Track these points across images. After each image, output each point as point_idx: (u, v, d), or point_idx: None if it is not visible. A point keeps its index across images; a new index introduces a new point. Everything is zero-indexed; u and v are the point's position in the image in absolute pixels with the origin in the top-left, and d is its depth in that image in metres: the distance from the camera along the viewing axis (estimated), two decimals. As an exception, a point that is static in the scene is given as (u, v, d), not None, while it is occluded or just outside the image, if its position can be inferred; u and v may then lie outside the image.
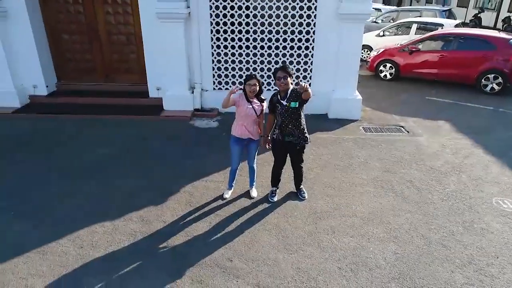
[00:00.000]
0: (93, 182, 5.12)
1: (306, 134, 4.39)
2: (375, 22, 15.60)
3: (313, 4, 7.10)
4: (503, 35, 9.66)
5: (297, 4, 7.12)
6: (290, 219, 4.38)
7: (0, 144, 6.27)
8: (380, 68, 10.77)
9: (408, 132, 7.01)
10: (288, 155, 4.57)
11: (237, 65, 7.66)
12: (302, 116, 4.31)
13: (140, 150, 6.10)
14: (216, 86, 7.84)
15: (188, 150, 6.13)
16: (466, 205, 4.69)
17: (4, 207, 4.55)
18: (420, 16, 14.36)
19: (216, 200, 4.74)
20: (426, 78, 10.17)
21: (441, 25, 11.76)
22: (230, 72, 7.72)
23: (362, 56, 13.19)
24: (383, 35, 12.89)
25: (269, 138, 4.57)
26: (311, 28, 7.29)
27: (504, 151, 6.17)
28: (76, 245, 3.91)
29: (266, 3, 7.14)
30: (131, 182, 5.13)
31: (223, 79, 7.78)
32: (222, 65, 7.66)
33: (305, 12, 7.17)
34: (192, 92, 7.69)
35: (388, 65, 10.61)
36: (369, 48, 13.06)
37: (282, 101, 4.25)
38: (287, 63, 7.57)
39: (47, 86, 8.02)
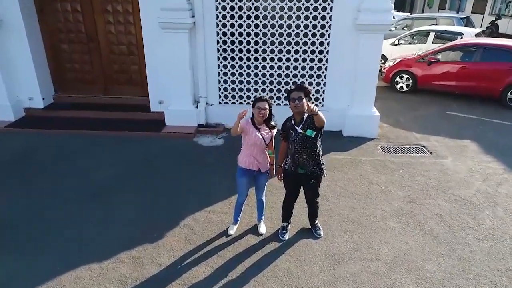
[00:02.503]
0: (85, 211, 4.61)
1: (323, 166, 3.83)
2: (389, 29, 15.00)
3: (328, 13, 6.55)
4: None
5: (311, 13, 6.58)
6: (304, 263, 3.80)
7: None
8: (396, 79, 10.16)
9: (431, 153, 6.40)
10: (301, 188, 4.01)
11: (245, 78, 7.13)
12: (319, 145, 3.75)
13: (139, 174, 5.58)
14: (222, 100, 7.32)
15: (190, 173, 5.60)
16: (507, 248, 4.07)
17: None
18: (436, 24, 13.72)
19: (219, 236, 4.18)
20: (446, 90, 9.54)
21: (461, 34, 11.13)
22: (237, 86, 7.19)
23: (376, 65, 12.62)
24: (398, 44, 12.28)
25: (281, 167, 4.02)
26: (326, 39, 6.74)
27: (541, 177, 5.55)
28: (56, 296, 3.39)
29: (277, 12, 6.62)
30: (126, 211, 4.61)
31: (229, 93, 7.26)
32: (229, 77, 7.14)
33: (319, 22, 6.62)
34: (197, 107, 7.18)
35: (405, 76, 10.00)
36: (383, 57, 12.45)
37: (296, 128, 3.70)
38: (299, 76, 7.03)
39: (43, 99, 7.57)
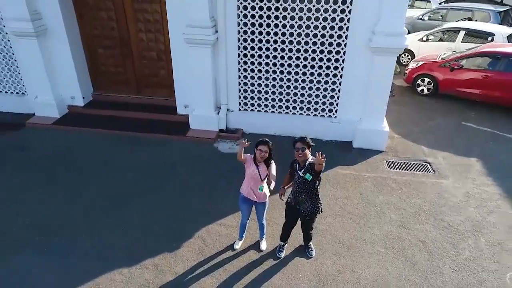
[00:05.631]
0: (116, 216, 5.51)
1: (319, 205, 4.45)
2: (421, 19, 14.64)
3: (344, 32, 6.82)
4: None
5: (327, 32, 6.87)
6: (294, 281, 4.53)
7: (33, 163, 6.82)
8: (417, 82, 10.24)
9: (434, 171, 6.77)
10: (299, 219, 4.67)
11: (263, 88, 7.63)
12: (317, 188, 4.36)
13: (163, 178, 6.40)
14: (242, 107, 7.90)
15: (208, 181, 6.33)
16: (477, 280, 4.59)
17: (29, 240, 5.05)
18: (471, 18, 13.27)
19: (226, 250, 4.97)
20: (467, 98, 9.57)
21: (492, 35, 10.83)
22: (256, 95, 7.72)
23: (403, 60, 12.58)
24: (427, 40, 12.10)
25: (284, 188, 4.63)
26: (341, 57, 7.05)
27: (534, 207, 5.87)
28: (94, 295, 4.33)
29: (295, 30, 6.95)
30: (150, 218, 5.47)
31: (248, 101, 7.81)
32: (249, 87, 7.66)
33: (335, 40, 6.92)
34: (218, 113, 7.82)
35: (427, 79, 10.06)
36: (410, 53, 12.37)
37: (298, 172, 4.31)
38: (314, 88, 7.45)
39: (83, 97, 8.46)
